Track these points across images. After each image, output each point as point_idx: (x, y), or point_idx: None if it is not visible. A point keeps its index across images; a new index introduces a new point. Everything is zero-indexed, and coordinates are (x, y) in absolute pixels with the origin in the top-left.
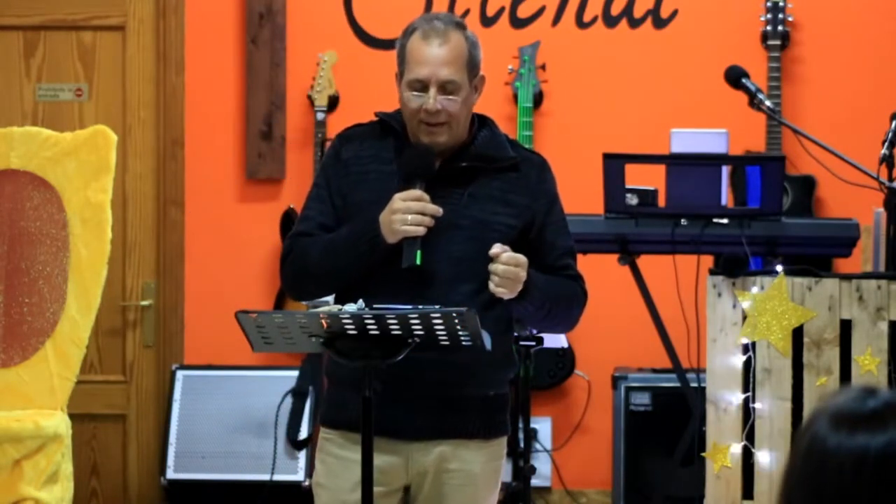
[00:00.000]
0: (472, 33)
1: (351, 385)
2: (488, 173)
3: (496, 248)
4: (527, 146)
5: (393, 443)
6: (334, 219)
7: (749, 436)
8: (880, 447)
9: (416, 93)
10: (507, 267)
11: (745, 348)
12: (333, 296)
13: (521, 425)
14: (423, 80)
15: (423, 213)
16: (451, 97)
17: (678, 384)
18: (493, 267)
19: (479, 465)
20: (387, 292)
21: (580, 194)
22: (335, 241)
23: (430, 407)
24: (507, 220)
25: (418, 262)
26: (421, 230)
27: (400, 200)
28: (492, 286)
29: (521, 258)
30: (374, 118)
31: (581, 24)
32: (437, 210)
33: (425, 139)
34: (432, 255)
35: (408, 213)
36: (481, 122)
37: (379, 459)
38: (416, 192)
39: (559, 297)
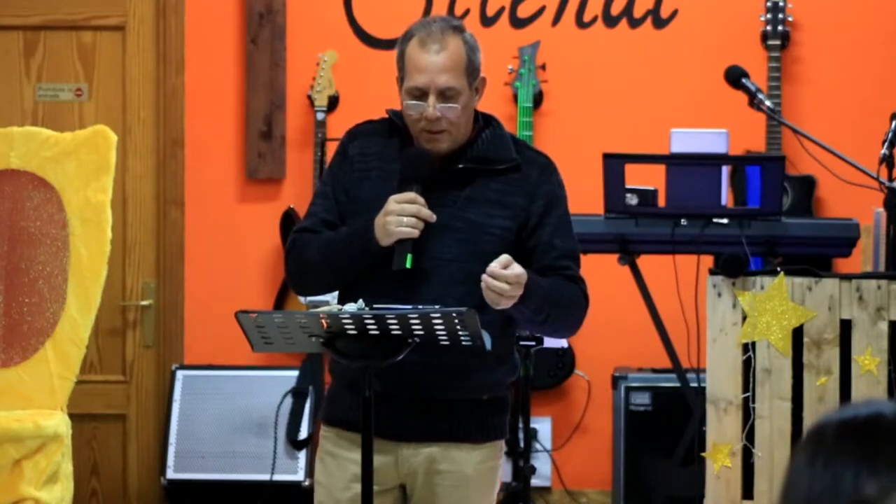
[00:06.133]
0: (470, 36)
1: (348, 383)
2: (488, 175)
3: (493, 265)
4: (531, 147)
5: (383, 442)
6: (337, 215)
7: (749, 436)
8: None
9: (415, 101)
10: (494, 282)
11: (746, 348)
12: (336, 294)
13: (521, 425)
14: (422, 87)
15: (417, 216)
16: (450, 104)
17: (678, 384)
18: (483, 277)
19: (471, 467)
20: (381, 293)
21: (580, 194)
22: (332, 241)
23: (417, 409)
24: (503, 223)
25: (408, 265)
26: (414, 233)
27: (395, 203)
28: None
29: (514, 274)
30: (385, 115)
31: (581, 24)
32: (431, 215)
33: (427, 146)
34: (423, 257)
35: (402, 215)
36: (486, 122)
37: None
38: (411, 195)
39: (559, 302)
